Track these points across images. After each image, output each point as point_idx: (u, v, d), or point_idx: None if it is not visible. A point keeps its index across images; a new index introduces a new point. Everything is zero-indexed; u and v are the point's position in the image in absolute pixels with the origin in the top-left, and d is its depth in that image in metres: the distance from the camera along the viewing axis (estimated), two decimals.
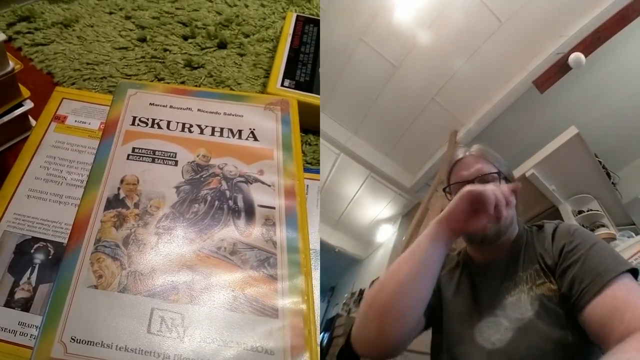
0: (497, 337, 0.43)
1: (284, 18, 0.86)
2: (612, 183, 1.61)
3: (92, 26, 0.80)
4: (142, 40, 0.78)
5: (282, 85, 0.64)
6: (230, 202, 0.47)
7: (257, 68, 0.77)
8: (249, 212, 0.46)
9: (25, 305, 0.43)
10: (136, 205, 0.46)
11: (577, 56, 1.37)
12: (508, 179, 0.51)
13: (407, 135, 1.95)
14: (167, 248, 0.43)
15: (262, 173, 0.50)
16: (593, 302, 0.38)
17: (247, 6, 0.86)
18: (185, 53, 0.78)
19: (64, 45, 0.75)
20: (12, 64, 0.53)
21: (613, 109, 1.57)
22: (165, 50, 0.78)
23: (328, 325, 2.29)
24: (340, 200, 2.42)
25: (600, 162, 1.54)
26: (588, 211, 1.56)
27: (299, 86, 0.65)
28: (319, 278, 0.51)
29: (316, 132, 0.66)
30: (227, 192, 0.48)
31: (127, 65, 0.74)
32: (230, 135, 0.53)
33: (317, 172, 0.61)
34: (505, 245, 0.49)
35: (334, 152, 1.97)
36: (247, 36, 0.81)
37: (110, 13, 0.83)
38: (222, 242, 0.44)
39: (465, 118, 1.84)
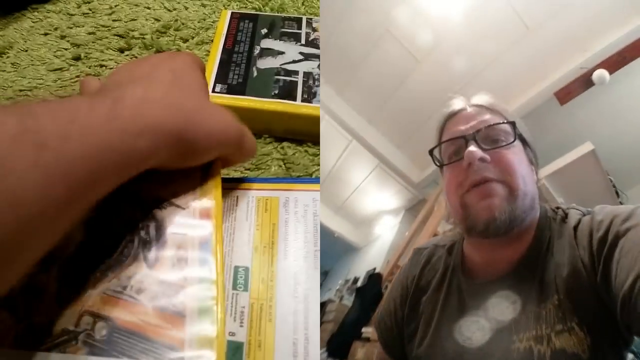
0: None
1: None
2: (620, 202, 1.59)
3: (26, 50, 0.76)
4: (77, 58, 0.74)
5: (213, 91, 0.59)
6: (142, 233, 0.43)
7: None
8: (161, 241, 0.42)
9: None
10: None
11: (601, 73, 1.36)
12: (526, 142, 0.37)
13: (422, 130, 1.93)
14: (69, 293, 0.39)
15: (177, 195, 0.45)
16: None
17: (186, 8, 0.81)
18: None
19: None
20: None
21: (628, 129, 1.60)
22: (101, 66, 0.73)
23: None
24: (346, 186, 2.40)
25: (610, 180, 1.54)
26: None
27: (231, 90, 0.59)
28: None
29: (256, 133, 0.61)
30: (139, 222, 0.44)
31: (61, 87, 0.70)
32: None
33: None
34: (522, 244, 0.33)
35: (346, 137, 1.96)
36: (185, 41, 0.75)
37: (46, 34, 0.79)
38: (129, 280, 0.40)
39: None
